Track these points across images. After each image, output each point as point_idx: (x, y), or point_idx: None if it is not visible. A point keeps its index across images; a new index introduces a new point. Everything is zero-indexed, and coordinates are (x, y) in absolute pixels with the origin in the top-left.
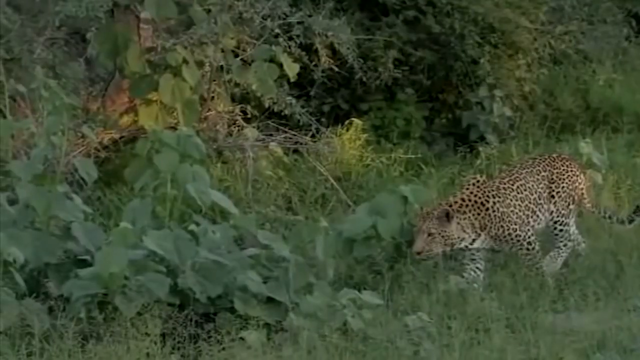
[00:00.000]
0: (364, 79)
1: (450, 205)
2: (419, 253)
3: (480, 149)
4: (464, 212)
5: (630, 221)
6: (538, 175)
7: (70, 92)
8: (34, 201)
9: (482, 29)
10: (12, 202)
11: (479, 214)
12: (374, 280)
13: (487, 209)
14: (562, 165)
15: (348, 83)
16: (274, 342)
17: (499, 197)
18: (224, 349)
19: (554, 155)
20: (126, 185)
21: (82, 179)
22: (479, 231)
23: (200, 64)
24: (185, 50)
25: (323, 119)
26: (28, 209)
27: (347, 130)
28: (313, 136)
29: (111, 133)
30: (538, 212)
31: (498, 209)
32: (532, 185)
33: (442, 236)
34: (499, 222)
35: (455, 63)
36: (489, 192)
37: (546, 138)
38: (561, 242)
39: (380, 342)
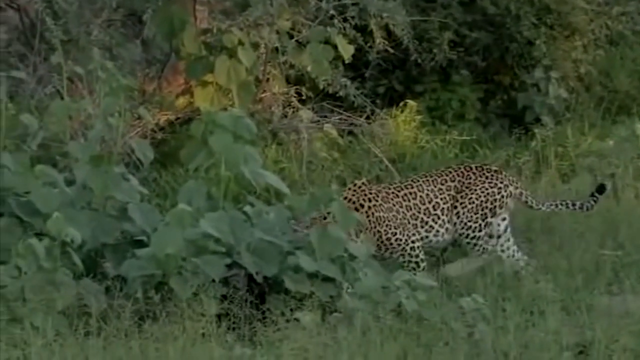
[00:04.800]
0: (419, 61)
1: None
2: None
3: (536, 130)
4: None
5: (595, 202)
6: (442, 185)
7: (127, 73)
8: (91, 182)
9: (538, 10)
10: (70, 182)
11: None
12: (429, 262)
13: (362, 214)
14: (474, 176)
15: (403, 64)
16: (329, 323)
17: (376, 201)
18: (278, 329)
19: (469, 166)
20: (182, 167)
21: (139, 160)
22: (354, 236)
23: (255, 46)
24: (241, 32)
25: (378, 101)
26: (85, 190)
27: (402, 111)
28: (368, 118)
29: (167, 114)
30: (431, 223)
31: (373, 213)
32: (427, 195)
33: None
34: (374, 227)
35: (511, 44)
36: (365, 196)
37: (602, 120)
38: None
39: (435, 323)
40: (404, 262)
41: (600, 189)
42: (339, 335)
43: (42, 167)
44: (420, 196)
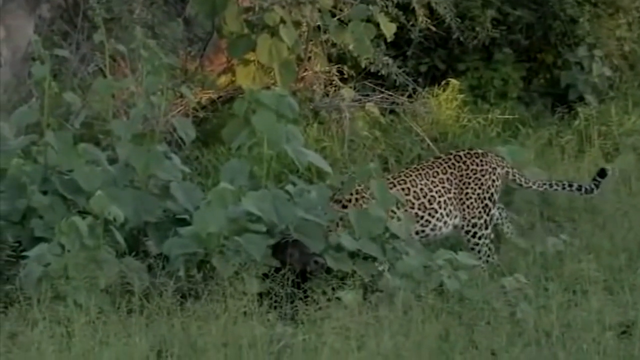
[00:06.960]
0: (461, 39)
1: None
2: None
3: (579, 109)
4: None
5: (597, 186)
6: (434, 177)
7: (169, 52)
8: (134, 160)
9: None
10: (112, 161)
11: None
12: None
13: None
14: (472, 165)
15: (445, 43)
16: (370, 302)
17: (363, 194)
18: (320, 308)
19: (461, 154)
20: (224, 145)
21: (181, 138)
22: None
23: (297, 24)
24: (283, 10)
25: (420, 79)
26: (128, 168)
27: (444, 90)
28: (410, 96)
29: (209, 93)
30: (427, 217)
31: (361, 205)
32: (422, 189)
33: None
34: None
35: (554, 22)
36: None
37: None
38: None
39: (477, 303)
40: None
41: (602, 173)
42: (380, 314)
43: (85, 146)
44: (414, 191)
